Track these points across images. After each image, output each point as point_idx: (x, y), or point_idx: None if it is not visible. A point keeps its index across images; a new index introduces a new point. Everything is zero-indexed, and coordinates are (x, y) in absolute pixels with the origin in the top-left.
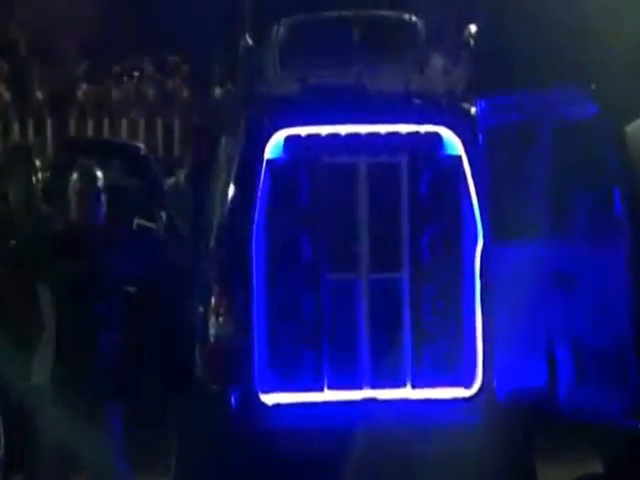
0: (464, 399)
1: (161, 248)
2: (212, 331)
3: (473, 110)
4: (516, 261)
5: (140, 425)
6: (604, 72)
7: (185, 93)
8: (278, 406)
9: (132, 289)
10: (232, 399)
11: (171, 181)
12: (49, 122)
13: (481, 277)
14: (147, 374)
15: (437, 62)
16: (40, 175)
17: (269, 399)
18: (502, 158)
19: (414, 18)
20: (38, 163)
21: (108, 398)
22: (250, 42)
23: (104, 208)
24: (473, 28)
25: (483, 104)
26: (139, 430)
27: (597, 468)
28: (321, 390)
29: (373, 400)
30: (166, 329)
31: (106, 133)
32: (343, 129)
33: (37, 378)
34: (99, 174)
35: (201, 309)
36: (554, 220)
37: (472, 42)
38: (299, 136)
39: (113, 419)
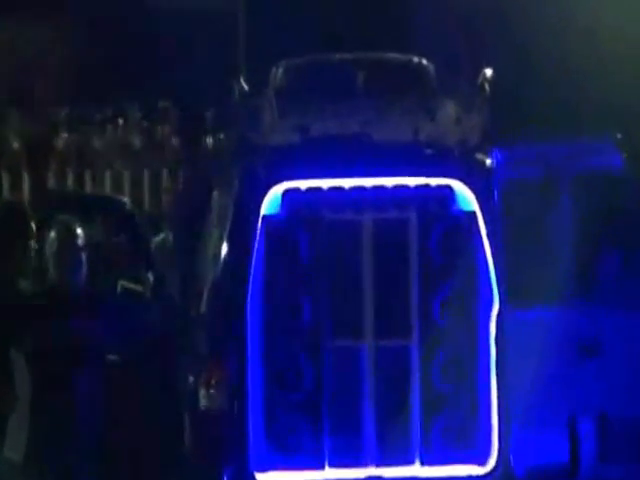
0: (478, 477)
1: (148, 313)
2: (203, 404)
3: (489, 162)
4: (536, 327)
5: None
6: (631, 119)
7: (175, 142)
8: None
9: (115, 358)
10: (225, 479)
11: (159, 239)
12: (25, 174)
13: (497, 344)
14: (130, 453)
15: (449, 109)
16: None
17: (265, 479)
18: (520, 214)
19: (424, 61)
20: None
21: None
22: (245, 87)
23: (85, 269)
24: (489, 72)
25: (500, 155)
26: None
27: None
28: (322, 468)
29: (379, 479)
30: (152, 402)
31: (88, 186)
32: (347, 183)
33: (9, 452)
34: (79, 231)
35: (191, 380)
36: (578, 282)
37: (487, 87)
38: (299, 190)
39: None
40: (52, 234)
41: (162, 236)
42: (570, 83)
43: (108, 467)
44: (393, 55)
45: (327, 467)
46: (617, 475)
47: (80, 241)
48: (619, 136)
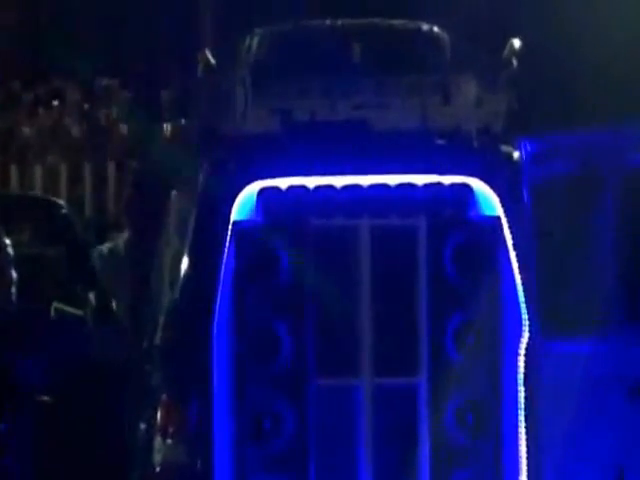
0: None
1: (89, 342)
2: (157, 456)
3: (516, 155)
4: (575, 362)
5: None
6: None
7: (122, 129)
8: None
9: (47, 399)
10: None
11: (104, 250)
12: None
13: (526, 383)
14: None
15: (468, 89)
16: None
17: None
18: (555, 220)
19: (437, 29)
20: None
21: None
22: (211, 60)
23: (13, 288)
24: (517, 43)
25: (530, 147)
26: None
27: None
28: None
29: None
30: (93, 453)
31: (14, 184)
32: (339, 181)
33: None
34: (6, 241)
35: (143, 426)
36: (626, 306)
37: (515, 61)
38: (278, 190)
39: None
40: None
41: (108, 246)
42: (616, 59)
43: None
44: (397, 21)
45: None
46: None
47: (6, 253)
48: None
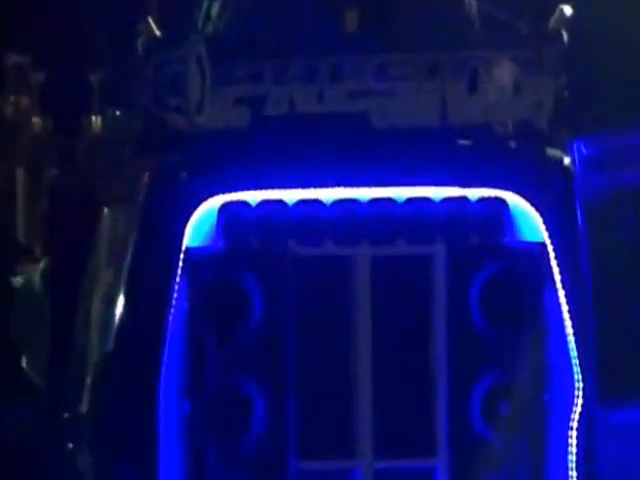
0: None
1: None
2: None
3: (567, 161)
4: None
5: None
6: None
7: (36, 123)
8: None
9: None
10: None
11: (16, 284)
12: None
13: (580, 465)
14: None
15: (502, 71)
16: None
17: None
18: (620, 247)
19: None
20: None
21: None
22: (157, 33)
23: None
24: (568, 10)
25: (585, 150)
26: None
27: None
28: None
29: None
30: None
31: None
32: (328, 194)
33: None
34: None
35: None
36: None
37: (566, 35)
38: (247, 206)
39: None
40: None
41: (18, 281)
42: None
43: None
44: None
45: None
46: None
47: None
48: None
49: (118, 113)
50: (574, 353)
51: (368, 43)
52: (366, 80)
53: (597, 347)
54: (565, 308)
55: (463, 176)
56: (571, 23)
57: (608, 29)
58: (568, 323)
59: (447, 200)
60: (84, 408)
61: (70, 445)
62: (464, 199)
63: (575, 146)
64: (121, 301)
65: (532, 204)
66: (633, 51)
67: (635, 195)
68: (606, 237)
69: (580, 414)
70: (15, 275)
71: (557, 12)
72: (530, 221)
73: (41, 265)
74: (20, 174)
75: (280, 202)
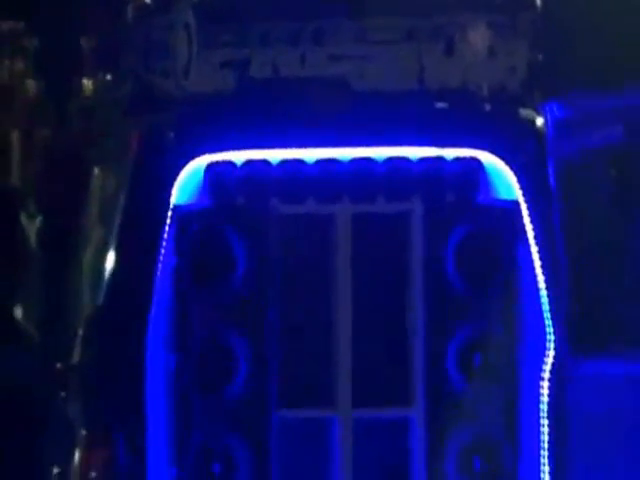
0: None
1: None
2: None
3: (540, 122)
4: (614, 386)
5: None
6: None
7: (32, 86)
8: None
9: None
10: None
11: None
12: None
13: (552, 413)
14: None
15: (477, 36)
16: None
17: None
18: (591, 206)
19: None
20: None
21: None
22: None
23: None
24: None
25: (558, 112)
26: None
27: None
28: None
29: None
30: None
31: None
32: (310, 154)
33: None
34: None
35: (56, 471)
36: None
37: (539, 3)
38: (232, 165)
39: None
40: None
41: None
42: None
43: None
44: None
45: None
46: None
47: None
48: None
49: (108, 77)
50: (546, 306)
51: (349, 8)
52: (346, 44)
53: (569, 301)
54: (538, 263)
55: (439, 136)
56: None
57: None
58: (541, 278)
59: (424, 160)
60: (76, 359)
61: (62, 394)
62: (440, 159)
63: (547, 108)
64: (111, 257)
65: (506, 163)
66: (604, 14)
67: (605, 155)
68: (579, 195)
69: (551, 364)
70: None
71: None
72: (504, 180)
73: (34, 223)
74: (15, 135)
75: (264, 162)
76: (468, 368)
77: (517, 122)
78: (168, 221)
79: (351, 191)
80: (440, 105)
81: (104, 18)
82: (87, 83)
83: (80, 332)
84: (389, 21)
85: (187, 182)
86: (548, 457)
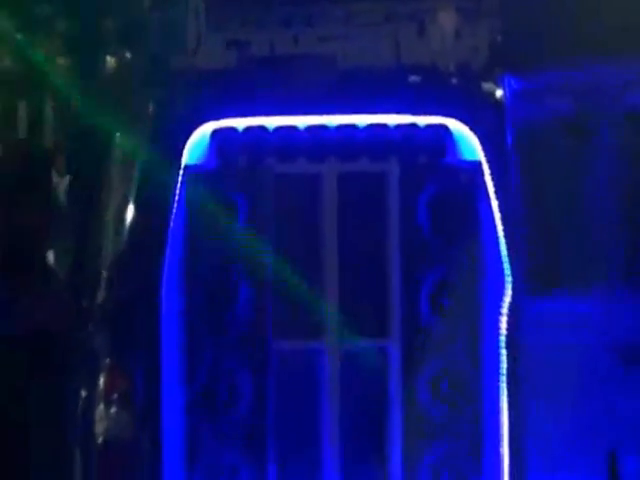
0: None
1: (21, 299)
2: (100, 427)
3: (499, 94)
4: (565, 325)
5: None
6: None
7: (62, 62)
8: None
9: None
10: None
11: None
12: None
13: (509, 347)
14: None
15: (445, 20)
16: None
17: None
18: (544, 167)
19: None
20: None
21: None
22: None
23: None
24: None
25: (515, 85)
26: None
27: None
28: None
29: None
30: (28, 427)
31: None
32: (301, 121)
33: None
34: None
35: (84, 394)
36: (622, 261)
37: None
38: (235, 131)
39: None
40: None
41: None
42: None
43: None
44: None
45: None
46: None
47: None
48: None
49: (128, 55)
50: (504, 252)
51: None
52: (333, 26)
53: (526, 247)
54: (497, 215)
55: (413, 106)
56: None
57: None
58: (500, 228)
59: (400, 126)
60: (100, 298)
61: (89, 327)
62: (414, 125)
63: (506, 82)
64: (131, 209)
65: (470, 129)
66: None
67: (557, 122)
68: (534, 156)
69: (509, 303)
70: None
71: None
72: (468, 144)
73: (65, 180)
74: (48, 107)
75: (262, 127)
76: (438, 306)
77: (479, 94)
78: (180, 179)
79: (337, 152)
80: (413, 79)
81: (125, 3)
82: (110, 60)
83: (104, 275)
84: (370, 6)
85: (196, 145)
86: (506, 382)
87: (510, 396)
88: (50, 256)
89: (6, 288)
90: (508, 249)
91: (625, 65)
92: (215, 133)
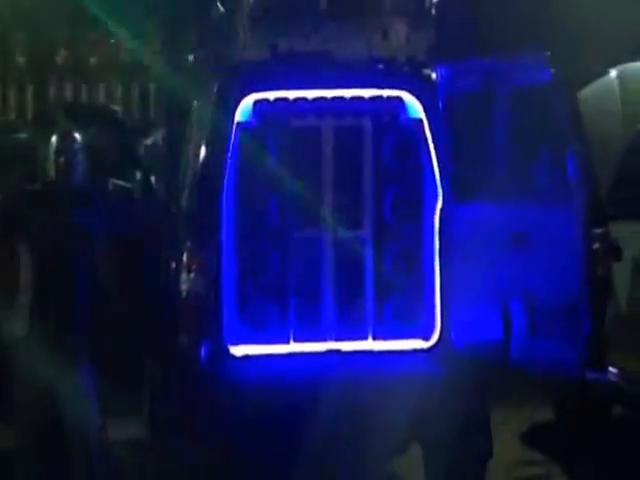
0: (423, 350)
1: (135, 206)
2: (183, 286)
3: (434, 76)
4: (474, 221)
5: (114, 380)
6: (558, 38)
7: (161, 59)
8: (246, 357)
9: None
10: (202, 352)
11: (149, 142)
12: (30, 87)
13: (440, 235)
14: (119, 327)
15: (400, 29)
16: None
17: (238, 351)
18: (462, 123)
19: None
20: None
21: (82, 358)
22: (221, 9)
23: (82, 168)
24: None
25: (443, 70)
26: (113, 384)
27: (549, 416)
28: (287, 342)
29: (337, 351)
30: (140, 282)
31: (84, 98)
32: (310, 94)
33: (14, 327)
34: (77, 136)
35: (173, 265)
36: (512, 182)
37: (434, 10)
38: (268, 100)
39: (87, 375)
40: (54, 138)
41: (152, 140)
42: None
43: (99, 339)
44: None
45: (292, 341)
46: (544, 346)
47: (78, 144)
48: (548, 53)
49: (203, 53)
50: (438, 175)
51: (333, 13)
52: (331, 34)
53: (453, 171)
54: (433, 151)
55: (380, 84)
56: (437, 4)
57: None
58: (434, 160)
59: (372, 97)
60: (185, 203)
61: (177, 225)
62: (380, 96)
63: (438, 68)
64: (203, 150)
65: (416, 98)
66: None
67: (468, 95)
68: (454, 115)
69: (440, 208)
70: (148, 137)
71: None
72: (414, 108)
73: (162, 132)
74: (152, 89)
75: (285, 98)
76: (396, 209)
77: (422, 76)
78: (234, 129)
79: (332, 113)
80: (380, 66)
81: (201, 19)
82: (191, 56)
83: (186, 191)
84: (353, 21)
85: (244, 109)
86: (439, 259)
87: (442, 264)
88: (152, 177)
89: (126, 196)
90: (440, 174)
91: (512, 56)
92: (256, 101)
